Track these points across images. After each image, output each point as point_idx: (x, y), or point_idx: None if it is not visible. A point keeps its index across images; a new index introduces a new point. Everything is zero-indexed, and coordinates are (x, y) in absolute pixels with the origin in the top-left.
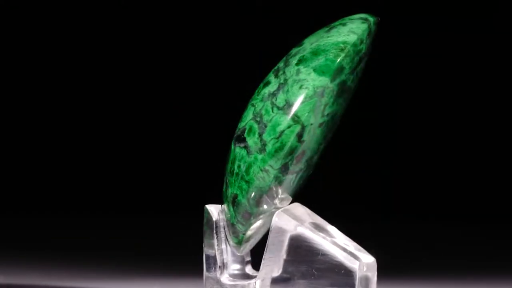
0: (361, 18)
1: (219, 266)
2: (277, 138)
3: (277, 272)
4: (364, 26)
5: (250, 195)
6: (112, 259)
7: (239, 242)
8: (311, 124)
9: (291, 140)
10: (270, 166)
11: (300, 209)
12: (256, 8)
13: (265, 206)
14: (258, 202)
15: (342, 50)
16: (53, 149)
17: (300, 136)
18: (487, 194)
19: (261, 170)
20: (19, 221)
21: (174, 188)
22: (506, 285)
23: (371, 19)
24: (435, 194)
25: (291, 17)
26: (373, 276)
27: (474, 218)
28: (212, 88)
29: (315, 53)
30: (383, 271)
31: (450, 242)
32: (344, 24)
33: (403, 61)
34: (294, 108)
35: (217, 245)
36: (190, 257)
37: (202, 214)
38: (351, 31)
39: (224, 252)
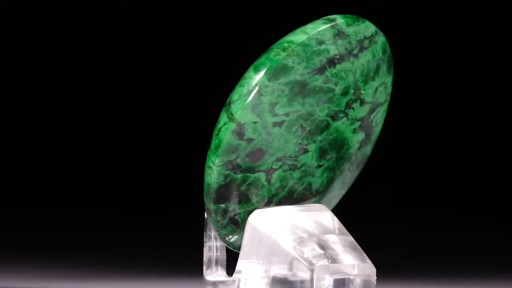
0: (327, 19)
1: (204, 262)
2: (217, 135)
3: (250, 270)
4: (324, 26)
5: (205, 192)
6: (111, 259)
7: (220, 239)
8: (254, 123)
9: (226, 137)
10: (212, 162)
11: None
12: (259, 9)
13: (222, 205)
14: (211, 199)
15: (284, 49)
16: (52, 149)
17: (239, 134)
18: (487, 194)
19: (208, 166)
20: (18, 221)
21: (175, 188)
22: (506, 285)
23: (340, 20)
24: (435, 194)
25: (295, 18)
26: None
27: (473, 218)
28: (213, 87)
29: (265, 52)
30: (383, 271)
31: (449, 242)
32: (304, 25)
33: (403, 60)
34: (231, 106)
35: (205, 242)
36: (192, 256)
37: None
38: (302, 31)
39: (218, 249)
